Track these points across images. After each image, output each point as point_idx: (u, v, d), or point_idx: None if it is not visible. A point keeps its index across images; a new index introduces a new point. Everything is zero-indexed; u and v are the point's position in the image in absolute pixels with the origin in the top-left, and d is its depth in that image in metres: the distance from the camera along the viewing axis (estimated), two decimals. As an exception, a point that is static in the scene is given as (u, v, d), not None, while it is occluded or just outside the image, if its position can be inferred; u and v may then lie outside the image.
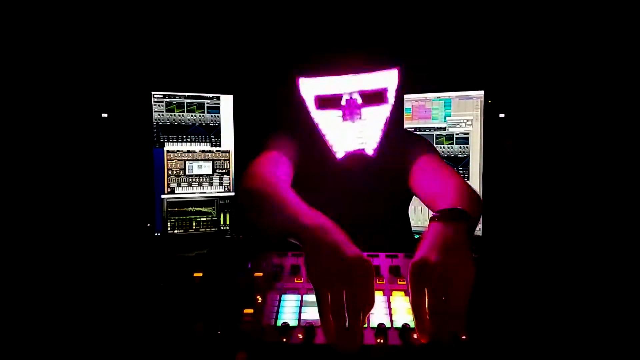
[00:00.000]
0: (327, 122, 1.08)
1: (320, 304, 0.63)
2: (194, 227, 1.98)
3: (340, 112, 1.06)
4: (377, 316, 0.69)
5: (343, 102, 1.06)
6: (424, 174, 1.10)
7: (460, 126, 1.89)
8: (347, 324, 0.61)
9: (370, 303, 0.64)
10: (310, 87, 1.08)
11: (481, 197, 1.02)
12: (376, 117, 1.08)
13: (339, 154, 1.10)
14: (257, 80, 2.13)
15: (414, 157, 1.15)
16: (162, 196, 1.94)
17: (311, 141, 1.11)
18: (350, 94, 1.06)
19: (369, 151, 1.10)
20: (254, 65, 2.16)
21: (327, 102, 1.07)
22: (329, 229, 0.70)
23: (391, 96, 1.09)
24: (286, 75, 1.14)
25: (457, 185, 0.99)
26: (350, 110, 1.06)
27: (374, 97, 1.07)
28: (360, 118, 1.07)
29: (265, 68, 2.13)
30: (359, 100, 1.06)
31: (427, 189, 1.06)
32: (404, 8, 2.04)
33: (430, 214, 0.81)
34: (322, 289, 0.64)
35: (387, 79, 1.08)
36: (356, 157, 1.09)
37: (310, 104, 1.08)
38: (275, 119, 2.09)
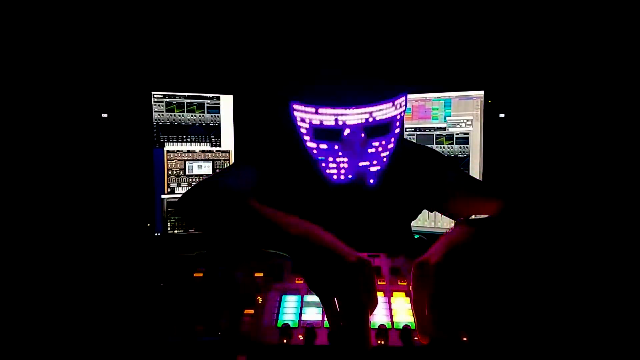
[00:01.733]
0: (324, 154, 0.97)
1: (327, 309, 0.63)
2: (194, 227, 1.98)
3: (339, 145, 0.95)
4: (378, 317, 0.69)
5: (344, 137, 0.94)
6: (460, 197, 1.03)
7: (460, 126, 1.89)
8: (355, 325, 0.61)
9: (372, 301, 0.64)
10: (305, 115, 0.96)
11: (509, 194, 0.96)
12: (380, 149, 0.98)
13: (335, 187, 1.00)
14: (257, 81, 2.13)
15: (437, 178, 1.07)
16: (162, 196, 1.94)
17: (303, 168, 1.01)
18: (353, 128, 0.93)
19: (369, 184, 1.00)
20: (254, 66, 2.16)
21: (325, 133, 0.95)
22: (318, 234, 0.68)
23: (398, 124, 0.99)
24: (279, 95, 1.04)
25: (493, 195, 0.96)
26: (351, 146, 0.94)
27: (379, 130, 0.95)
28: (361, 150, 0.95)
29: (266, 68, 2.13)
30: (362, 134, 0.94)
31: (470, 212, 1.02)
32: (406, 18, 2.04)
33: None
34: (327, 296, 0.63)
35: (395, 109, 0.96)
36: (354, 191, 0.99)
37: (305, 132, 0.97)
38: (273, 123, 2.09)
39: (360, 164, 0.97)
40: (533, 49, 1.99)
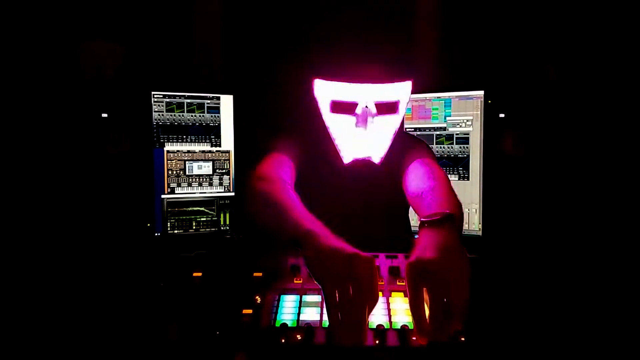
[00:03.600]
0: (339, 126, 1.08)
1: (328, 300, 0.65)
2: (194, 227, 1.98)
3: (353, 119, 1.06)
4: (376, 317, 0.69)
5: (358, 110, 1.06)
6: (413, 176, 1.11)
7: (460, 126, 1.89)
8: (352, 319, 0.63)
9: (373, 297, 0.65)
10: (326, 90, 1.07)
11: (461, 201, 1.01)
12: (387, 127, 1.09)
13: (346, 159, 1.11)
14: (257, 80, 2.13)
15: (409, 160, 1.16)
16: (162, 196, 1.94)
17: (319, 143, 1.12)
18: (366, 102, 1.05)
19: (376, 159, 1.11)
20: (254, 65, 2.16)
21: (341, 107, 1.06)
22: (328, 234, 0.74)
23: (402, 107, 1.10)
24: (297, 74, 1.13)
25: (441, 189, 0.99)
26: (364, 118, 1.06)
27: (388, 108, 1.08)
28: (372, 125, 1.07)
29: (266, 68, 2.13)
30: (373, 110, 1.06)
31: (412, 191, 1.07)
32: (410, 13, 2.04)
33: (416, 216, 0.84)
34: (329, 286, 0.65)
35: (401, 91, 1.08)
36: (363, 164, 1.11)
37: (324, 106, 1.08)
38: (277, 118, 2.10)
39: (369, 139, 1.08)
40: (533, 50, 1.99)
